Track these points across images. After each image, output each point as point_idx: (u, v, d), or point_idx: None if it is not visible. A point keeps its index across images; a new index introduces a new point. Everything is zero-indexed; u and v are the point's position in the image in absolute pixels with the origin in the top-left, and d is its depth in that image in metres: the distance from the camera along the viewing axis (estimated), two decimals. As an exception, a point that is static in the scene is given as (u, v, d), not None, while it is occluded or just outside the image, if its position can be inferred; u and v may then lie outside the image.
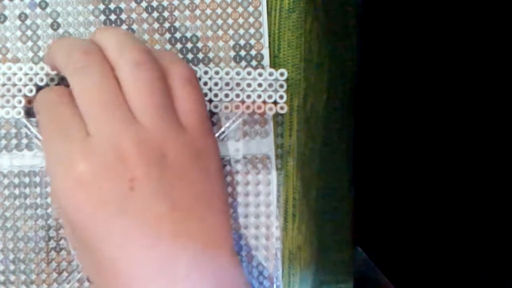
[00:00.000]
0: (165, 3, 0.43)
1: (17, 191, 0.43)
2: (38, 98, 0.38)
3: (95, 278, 0.36)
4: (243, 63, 0.43)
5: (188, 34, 0.43)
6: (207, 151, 0.37)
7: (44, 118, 0.37)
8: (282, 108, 0.43)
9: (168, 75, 0.36)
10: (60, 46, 0.37)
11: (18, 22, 0.43)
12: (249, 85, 0.42)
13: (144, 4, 0.43)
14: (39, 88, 0.42)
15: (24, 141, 0.43)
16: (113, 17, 0.43)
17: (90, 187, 0.33)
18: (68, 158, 0.34)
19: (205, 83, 0.42)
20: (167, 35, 0.43)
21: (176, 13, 0.43)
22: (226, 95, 0.42)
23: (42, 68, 0.42)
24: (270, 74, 0.43)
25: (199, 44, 0.43)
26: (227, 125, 0.43)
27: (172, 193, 0.34)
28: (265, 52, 0.43)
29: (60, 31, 0.43)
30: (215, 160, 0.37)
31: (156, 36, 0.43)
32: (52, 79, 0.42)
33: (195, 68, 0.43)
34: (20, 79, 0.42)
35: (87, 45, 0.36)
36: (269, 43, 0.43)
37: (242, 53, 0.43)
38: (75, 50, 0.36)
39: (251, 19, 0.43)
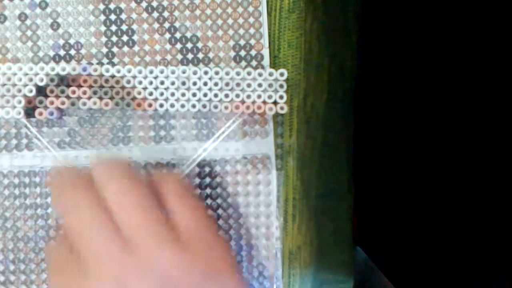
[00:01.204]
0: (165, 3, 0.43)
1: (17, 191, 0.43)
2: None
3: None
4: (243, 63, 0.43)
5: (188, 34, 0.43)
6: (218, 268, 0.35)
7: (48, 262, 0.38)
8: (282, 108, 0.43)
9: (162, 192, 0.36)
10: (54, 184, 0.38)
11: (18, 22, 0.43)
12: (249, 85, 0.42)
13: (144, 4, 0.43)
14: (39, 88, 0.42)
15: (24, 141, 0.43)
16: (113, 17, 0.43)
17: None
18: None
19: (205, 83, 0.42)
20: (167, 35, 0.43)
21: (176, 13, 0.43)
22: (226, 95, 0.42)
23: (42, 68, 0.42)
24: (270, 74, 0.43)
25: (199, 44, 0.43)
26: (227, 125, 0.43)
27: None
28: (265, 52, 0.43)
29: (60, 31, 0.43)
30: (230, 277, 0.35)
31: (156, 36, 0.43)
32: (52, 79, 0.42)
33: (195, 68, 0.43)
34: (20, 79, 0.42)
35: (77, 180, 0.36)
36: (269, 43, 0.43)
37: (242, 53, 0.43)
38: (66, 188, 0.36)
39: (251, 19, 0.43)
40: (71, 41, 0.43)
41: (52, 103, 0.42)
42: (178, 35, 0.43)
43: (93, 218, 0.34)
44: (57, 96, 0.42)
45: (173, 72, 0.42)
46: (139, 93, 0.42)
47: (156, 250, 0.34)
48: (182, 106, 0.42)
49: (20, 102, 0.42)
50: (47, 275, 0.43)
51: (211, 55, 0.43)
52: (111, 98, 0.42)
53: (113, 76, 0.42)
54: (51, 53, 0.43)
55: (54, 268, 0.36)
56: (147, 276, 0.33)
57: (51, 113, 0.42)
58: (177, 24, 0.43)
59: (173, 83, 0.42)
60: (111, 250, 0.34)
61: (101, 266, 0.33)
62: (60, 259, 0.36)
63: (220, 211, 0.43)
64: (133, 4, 0.43)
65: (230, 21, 0.43)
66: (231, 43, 0.43)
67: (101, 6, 0.43)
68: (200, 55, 0.43)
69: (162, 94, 0.42)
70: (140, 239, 0.34)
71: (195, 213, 0.36)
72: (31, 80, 0.42)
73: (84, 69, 0.42)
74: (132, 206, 0.34)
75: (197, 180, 0.43)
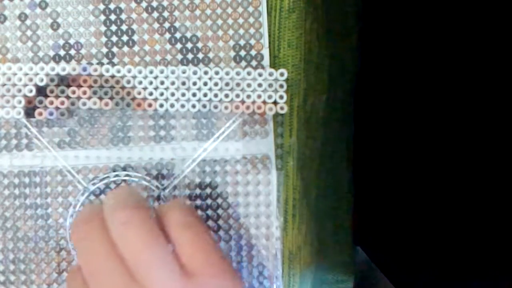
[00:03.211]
0: (165, 3, 0.43)
1: (17, 191, 0.43)
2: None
3: None
4: (243, 63, 0.43)
5: (188, 34, 0.43)
6: None
7: None
8: (282, 108, 0.43)
9: (166, 224, 0.36)
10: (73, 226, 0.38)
11: (18, 22, 0.43)
12: (249, 85, 0.42)
13: (144, 4, 0.43)
14: (39, 88, 0.42)
15: (24, 141, 0.43)
16: (113, 17, 0.43)
17: None
18: None
19: (205, 83, 0.42)
20: (167, 35, 0.43)
21: (176, 13, 0.43)
22: (226, 95, 0.42)
23: (42, 68, 0.42)
24: (270, 74, 0.43)
25: (199, 44, 0.43)
26: (227, 125, 0.43)
27: None
28: (265, 52, 0.43)
29: (60, 31, 0.43)
30: None
31: (156, 36, 0.43)
32: (52, 80, 0.42)
33: (195, 68, 0.43)
34: (20, 79, 0.42)
35: (90, 214, 0.37)
36: (269, 43, 0.43)
37: (242, 53, 0.43)
38: (79, 220, 0.37)
39: (251, 19, 0.43)
40: (71, 41, 0.43)
41: (52, 103, 0.42)
42: (178, 35, 0.43)
43: (99, 251, 0.35)
44: (57, 96, 0.42)
45: (173, 72, 0.42)
46: (139, 93, 0.42)
47: (157, 282, 0.34)
48: (182, 106, 0.42)
49: (20, 102, 0.42)
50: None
51: (211, 55, 0.43)
52: (111, 98, 0.42)
53: (113, 76, 0.42)
54: (51, 53, 0.43)
55: None
56: None
57: (51, 113, 0.42)
58: (177, 24, 0.43)
59: (173, 83, 0.42)
60: (114, 282, 0.34)
61: None
62: None
63: (220, 211, 0.43)
64: (133, 4, 0.43)
65: (230, 21, 0.43)
66: (231, 43, 0.43)
67: (101, 6, 0.43)
68: (200, 55, 0.43)
69: (162, 94, 0.42)
70: (145, 274, 0.34)
71: (199, 243, 0.36)
72: (31, 80, 0.42)
73: (84, 69, 0.42)
74: (135, 240, 0.34)
75: (197, 180, 0.43)
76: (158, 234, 0.35)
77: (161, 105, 0.42)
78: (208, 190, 0.43)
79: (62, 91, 0.42)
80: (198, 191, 0.43)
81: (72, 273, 0.37)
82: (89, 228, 0.36)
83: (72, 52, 0.43)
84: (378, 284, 0.56)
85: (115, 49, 0.43)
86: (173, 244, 0.35)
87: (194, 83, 0.42)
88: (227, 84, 0.42)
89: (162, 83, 0.42)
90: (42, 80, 0.42)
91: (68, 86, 0.42)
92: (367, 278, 0.57)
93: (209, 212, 0.43)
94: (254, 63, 0.43)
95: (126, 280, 0.34)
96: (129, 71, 0.42)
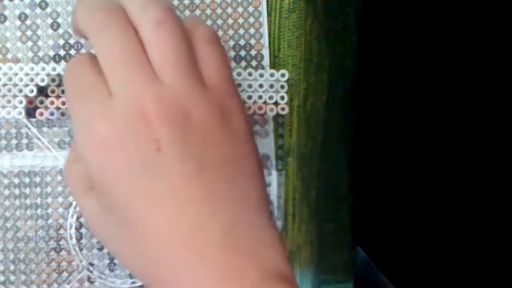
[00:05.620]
0: (165, 3, 0.43)
1: (17, 191, 0.43)
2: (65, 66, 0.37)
3: (120, 247, 0.34)
4: (243, 63, 0.43)
5: (189, 34, 0.43)
6: (233, 111, 0.35)
7: (67, 82, 0.36)
8: (283, 109, 0.43)
9: (191, 36, 0.35)
10: (82, 7, 0.36)
11: (18, 22, 0.43)
12: (250, 86, 0.42)
13: (144, 4, 0.43)
14: (40, 89, 0.42)
15: (25, 141, 0.43)
16: (113, 17, 0.43)
17: (112, 148, 0.32)
18: (89, 119, 0.33)
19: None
20: (168, 35, 0.43)
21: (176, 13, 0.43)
22: (227, 96, 0.42)
23: (43, 69, 0.42)
24: (271, 75, 0.43)
25: (200, 44, 0.43)
26: (228, 125, 0.43)
27: (198, 154, 0.32)
28: (265, 52, 0.43)
29: (60, 31, 0.43)
30: (242, 121, 0.35)
31: (157, 36, 0.43)
32: (53, 80, 0.42)
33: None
34: (21, 79, 0.42)
35: (109, 4, 0.35)
36: (269, 43, 0.43)
37: (242, 53, 0.43)
38: (97, 10, 0.35)
39: (251, 19, 0.43)
40: (71, 41, 0.43)
41: (52, 103, 0.42)
42: (178, 35, 0.43)
43: (124, 41, 0.33)
44: (58, 97, 0.42)
45: (174, 73, 0.42)
46: (140, 93, 0.42)
47: (182, 85, 0.33)
48: (183, 106, 0.42)
49: (21, 102, 0.42)
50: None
51: (211, 55, 0.43)
52: (112, 98, 0.42)
53: (113, 76, 0.42)
54: (51, 53, 0.43)
55: (76, 89, 0.35)
56: (167, 107, 0.32)
57: (52, 114, 0.42)
58: (177, 24, 0.43)
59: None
60: (138, 75, 0.33)
61: (123, 89, 0.33)
62: (84, 80, 0.34)
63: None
64: (134, 4, 0.43)
65: (230, 21, 0.43)
66: (231, 43, 0.43)
67: (101, 6, 0.43)
68: (200, 55, 0.43)
69: (163, 94, 0.42)
70: (170, 72, 0.33)
71: (221, 60, 0.35)
72: (32, 80, 0.42)
73: (85, 70, 0.42)
74: (166, 39, 0.33)
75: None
76: (189, 42, 0.34)
77: (162, 105, 0.42)
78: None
79: (63, 91, 0.42)
80: None
81: (82, 66, 0.35)
82: (113, 17, 0.34)
83: (72, 52, 0.43)
84: (378, 284, 0.56)
85: (115, 49, 0.43)
86: (196, 58, 0.35)
87: (195, 84, 0.42)
88: (228, 85, 0.42)
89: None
90: (43, 80, 0.42)
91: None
92: (367, 278, 0.57)
93: None
94: (254, 63, 0.43)
95: (149, 75, 0.33)
96: (129, 71, 0.42)
